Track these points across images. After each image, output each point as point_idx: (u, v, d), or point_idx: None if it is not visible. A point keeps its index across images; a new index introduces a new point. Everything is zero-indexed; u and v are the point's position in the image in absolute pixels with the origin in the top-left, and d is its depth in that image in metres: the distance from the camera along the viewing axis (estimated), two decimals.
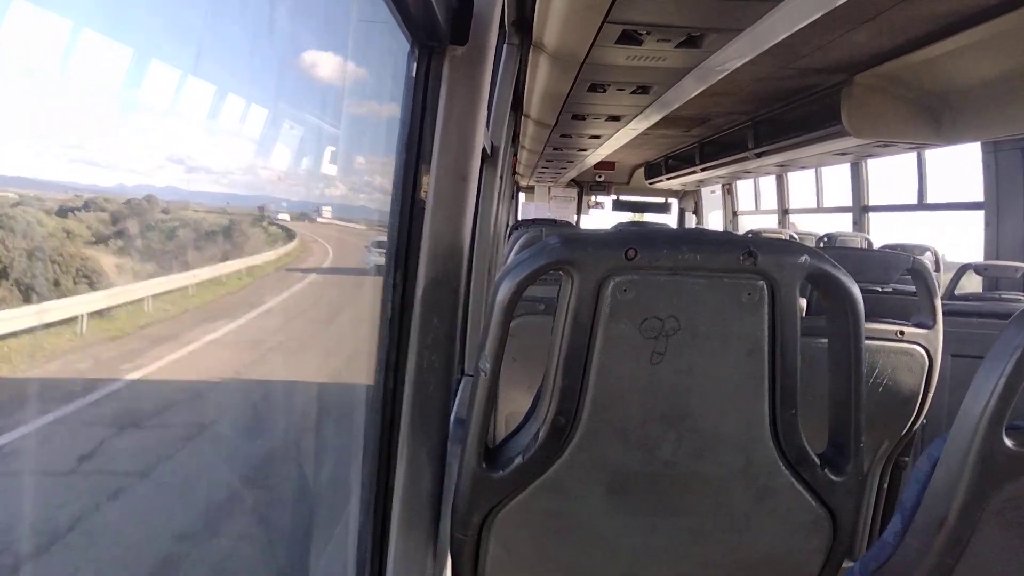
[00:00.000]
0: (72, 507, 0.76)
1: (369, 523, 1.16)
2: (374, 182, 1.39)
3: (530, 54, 3.03)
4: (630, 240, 0.88)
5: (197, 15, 0.84)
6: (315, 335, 1.31)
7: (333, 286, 1.37)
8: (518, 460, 0.95)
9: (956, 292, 3.47)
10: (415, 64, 1.13)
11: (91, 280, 0.71)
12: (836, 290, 0.93)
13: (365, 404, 1.22)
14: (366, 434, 1.19)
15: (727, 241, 0.90)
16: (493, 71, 1.23)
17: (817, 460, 0.98)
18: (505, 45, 3.06)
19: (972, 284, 4.14)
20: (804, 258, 0.90)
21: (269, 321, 1.14)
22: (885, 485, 2.41)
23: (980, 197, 4.34)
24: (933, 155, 4.94)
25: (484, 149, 2.24)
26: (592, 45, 2.62)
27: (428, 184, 1.12)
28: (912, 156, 5.02)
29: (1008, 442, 0.90)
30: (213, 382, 1.03)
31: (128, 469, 0.85)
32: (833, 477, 0.98)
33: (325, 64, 1.18)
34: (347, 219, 1.43)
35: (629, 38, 2.52)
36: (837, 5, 1.95)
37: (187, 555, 0.97)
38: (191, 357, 0.93)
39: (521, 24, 2.95)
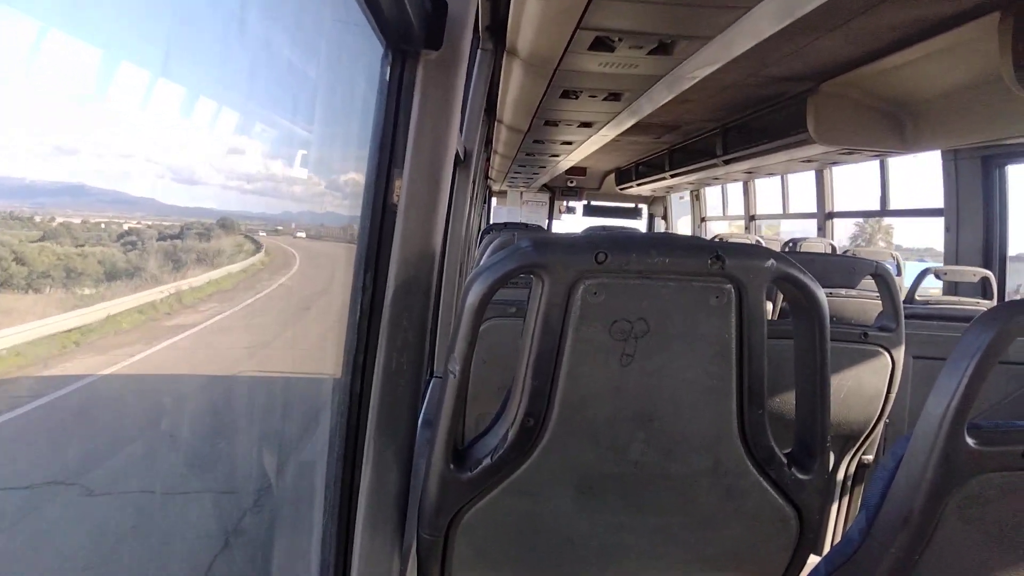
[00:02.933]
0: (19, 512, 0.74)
1: (333, 524, 1.16)
2: (346, 186, 1.38)
3: (504, 59, 3.04)
4: (600, 244, 0.89)
5: (165, 15, 0.83)
6: (281, 337, 1.30)
7: (300, 290, 1.36)
8: (486, 461, 0.96)
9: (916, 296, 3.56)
10: (389, 68, 1.13)
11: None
12: (802, 293, 0.95)
13: (331, 405, 1.21)
14: (331, 435, 1.18)
15: (696, 245, 0.92)
16: (467, 76, 1.24)
17: (784, 459, 0.99)
18: (479, 50, 3.07)
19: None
20: (771, 262, 0.92)
21: (236, 324, 1.13)
22: (849, 483, 2.46)
23: (940, 204, 4.46)
24: (895, 163, 5.06)
25: (457, 154, 2.24)
26: (565, 51, 2.64)
27: (400, 188, 1.12)
28: (875, 164, 5.13)
29: (970, 440, 0.93)
30: (175, 382, 1.01)
31: (88, 471, 0.83)
32: (800, 476, 1.00)
33: (297, 66, 1.17)
34: (317, 223, 1.42)
35: (602, 45, 2.55)
36: (805, 13, 1.99)
37: (144, 557, 0.95)
38: (155, 357, 0.91)
39: (495, 29, 2.96)
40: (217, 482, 1.14)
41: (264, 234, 1.20)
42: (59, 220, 0.73)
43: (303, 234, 1.32)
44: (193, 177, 0.96)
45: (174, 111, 0.90)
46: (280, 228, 1.27)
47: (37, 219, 0.71)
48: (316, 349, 1.39)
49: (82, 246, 0.74)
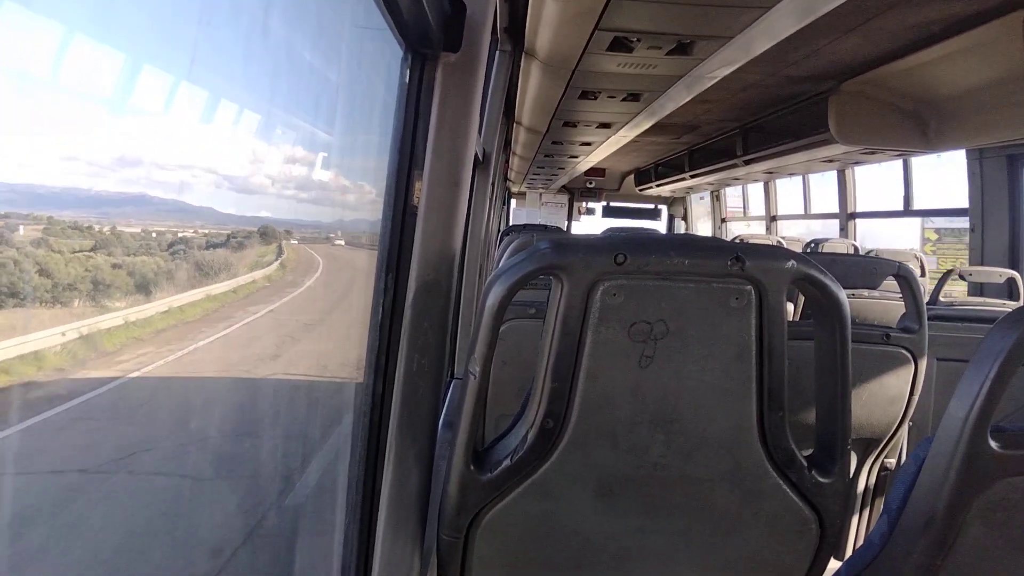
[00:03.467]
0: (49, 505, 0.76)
1: (355, 524, 1.16)
2: (366, 188, 1.39)
3: (522, 61, 3.04)
4: (620, 245, 0.89)
5: (191, 21, 0.84)
6: (305, 339, 1.31)
7: (323, 292, 1.37)
8: (506, 462, 0.96)
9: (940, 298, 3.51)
10: (408, 70, 1.14)
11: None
12: (823, 295, 0.94)
13: (353, 406, 1.22)
14: (354, 436, 1.19)
15: (715, 247, 0.92)
16: (485, 78, 1.24)
17: (804, 462, 0.99)
18: (497, 52, 3.08)
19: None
20: (791, 263, 0.92)
21: (262, 325, 1.14)
22: (871, 486, 2.42)
23: (965, 203, 4.40)
24: (919, 162, 5.00)
25: (476, 155, 2.25)
26: (583, 52, 2.64)
27: (420, 189, 1.13)
28: (898, 163, 5.07)
29: (993, 444, 0.91)
30: (203, 383, 1.03)
31: (114, 468, 0.85)
32: (820, 479, 0.99)
33: (319, 70, 1.19)
34: (340, 227, 1.43)
35: (620, 45, 2.54)
36: (824, 13, 1.97)
37: (172, 556, 0.97)
38: (183, 358, 0.93)
39: (513, 31, 2.97)
40: (242, 481, 1.15)
41: (295, 240, 1.22)
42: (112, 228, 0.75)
43: (342, 241, 1.33)
44: (215, 183, 0.97)
45: (197, 119, 0.91)
46: (306, 233, 1.29)
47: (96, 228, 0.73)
48: (339, 351, 1.41)
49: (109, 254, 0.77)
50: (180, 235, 0.91)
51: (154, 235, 0.86)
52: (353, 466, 1.19)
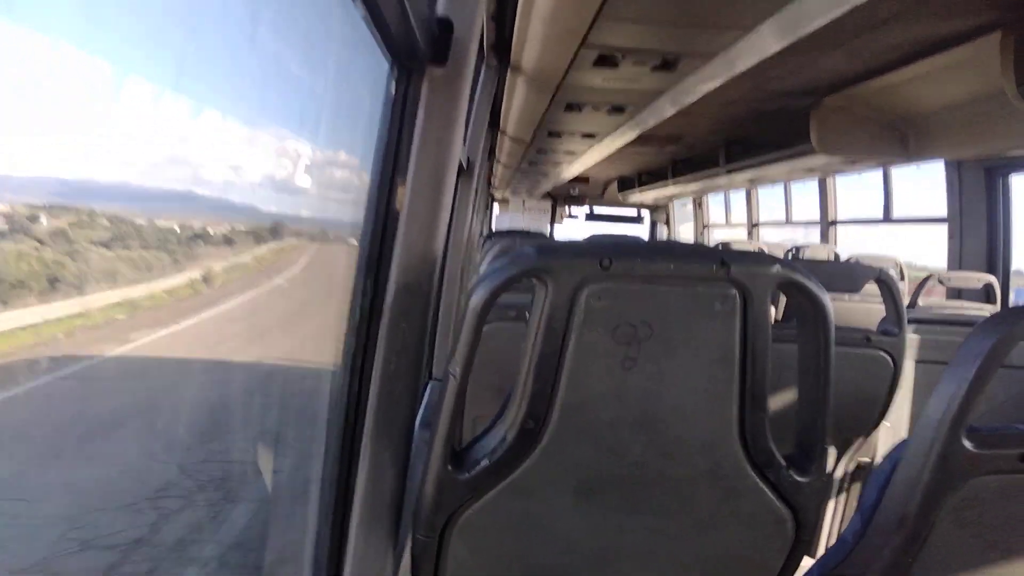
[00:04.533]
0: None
1: (327, 524, 1.16)
2: (348, 194, 1.40)
3: (508, 75, 3.05)
4: (605, 250, 0.90)
5: (176, 31, 0.84)
6: (279, 338, 1.31)
7: (300, 296, 1.37)
8: (484, 462, 0.96)
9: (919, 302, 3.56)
10: (394, 82, 1.15)
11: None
12: (807, 299, 0.95)
13: (328, 406, 1.22)
14: (328, 435, 1.19)
15: (701, 252, 0.93)
16: (471, 91, 1.25)
17: (783, 462, 1.00)
18: (484, 67, 3.08)
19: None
20: (776, 268, 0.93)
21: (234, 320, 1.14)
22: (845, 485, 2.45)
23: (943, 212, 4.47)
24: (899, 172, 5.07)
25: (460, 163, 2.26)
26: (569, 68, 2.65)
27: (403, 196, 1.13)
28: (878, 172, 5.14)
29: (967, 444, 0.93)
30: (172, 377, 1.02)
31: (81, 463, 0.84)
32: (798, 478, 1.00)
33: (305, 81, 1.19)
34: (322, 230, 1.43)
35: (605, 61, 2.56)
36: (806, 33, 2.00)
37: (136, 554, 0.96)
38: (152, 348, 0.92)
39: (500, 47, 2.98)
40: (212, 480, 1.15)
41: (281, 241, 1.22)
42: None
43: (354, 240, 1.33)
44: (197, 189, 0.97)
45: (182, 128, 0.91)
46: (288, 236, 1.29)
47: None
48: (315, 350, 1.41)
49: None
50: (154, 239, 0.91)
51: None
52: (327, 465, 1.19)
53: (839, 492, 2.46)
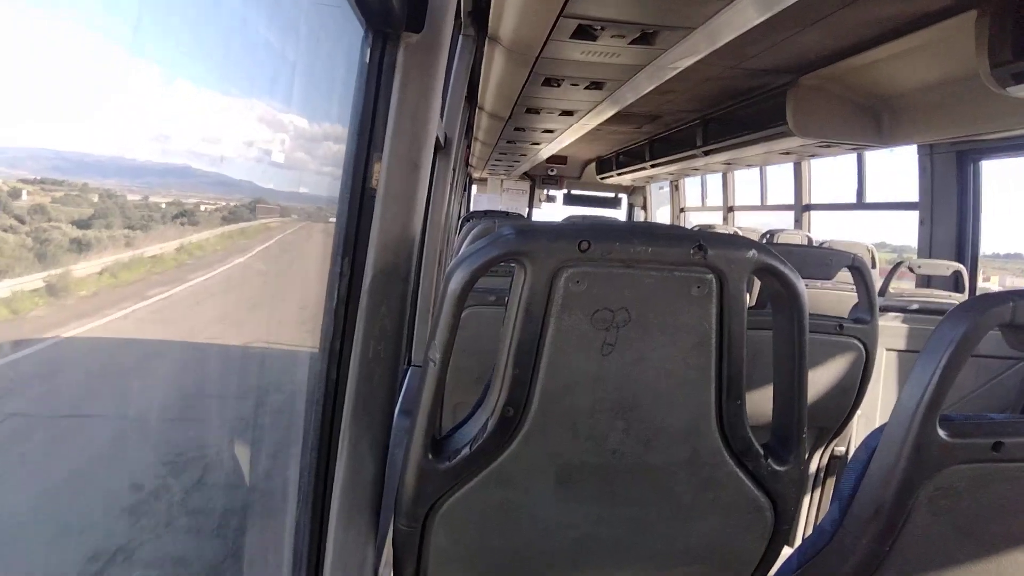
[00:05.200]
0: None
1: (307, 513, 1.14)
2: (323, 169, 1.36)
3: (485, 46, 3.01)
4: (584, 232, 0.89)
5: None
6: (252, 321, 1.28)
7: (274, 276, 1.34)
8: (465, 451, 0.95)
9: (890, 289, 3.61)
10: (369, 49, 1.11)
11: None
12: (782, 285, 0.96)
13: (306, 392, 1.19)
14: (306, 423, 1.17)
15: (678, 235, 0.92)
16: (448, 61, 1.22)
17: (760, 450, 1.00)
18: (461, 36, 3.04)
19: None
20: (752, 253, 0.93)
21: (201, 302, 1.11)
22: (822, 474, 2.49)
23: (915, 198, 4.53)
24: (872, 156, 5.12)
25: (438, 139, 2.22)
26: (547, 39, 2.62)
27: (379, 172, 1.10)
28: (852, 157, 5.19)
29: (941, 432, 0.94)
30: (138, 361, 0.99)
31: (42, 457, 0.81)
32: (776, 467, 1.01)
33: (274, 46, 1.15)
34: (295, 207, 1.39)
35: (584, 33, 2.53)
36: (786, 7, 1.99)
37: (108, 550, 0.93)
38: (112, 329, 0.89)
39: (477, 15, 2.93)
40: (186, 469, 1.12)
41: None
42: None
43: (330, 218, 1.29)
44: (155, 160, 0.93)
45: (149, 96, 0.87)
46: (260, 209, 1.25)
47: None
48: (290, 335, 1.38)
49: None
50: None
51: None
52: (305, 454, 1.16)
53: (815, 481, 2.50)
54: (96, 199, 0.80)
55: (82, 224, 0.76)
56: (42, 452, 0.78)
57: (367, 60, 1.12)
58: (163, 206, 0.92)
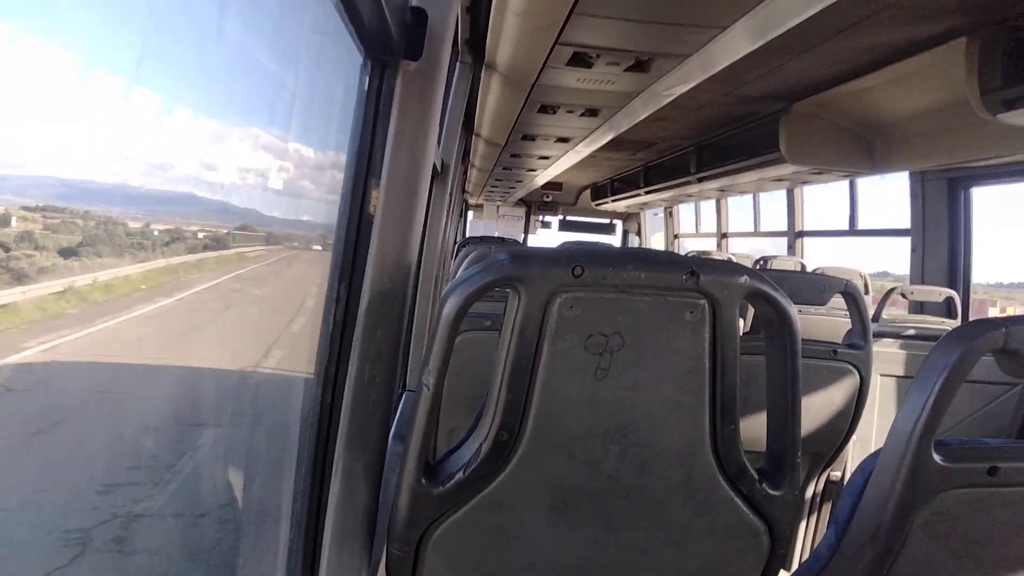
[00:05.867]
0: None
1: (300, 537, 1.14)
2: (321, 195, 1.36)
3: (482, 73, 3.05)
4: (577, 257, 0.90)
5: (139, 21, 0.81)
6: (249, 345, 1.27)
7: (271, 302, 1.33)
8: (459, 475, 0.95)
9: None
10: (368, 77, 1.13)
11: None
12: (774, 310, 0.96)
13: (301, 416, 1.19)
14: (300, 446, 1.16)
15: (671, 261, 0.93)
16: (446, 88, 1.24)
17: (755, 475, 1.00)
18: (458, 63, 3.07)
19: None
20: (744, 278, 0.93)
21: (200, 326, 1.10)
22: (818, 500, 2.48)
23: (907, 224, 4.56)
24: (865, 183, 5.17)
25: (435, 166, 2.24)
26: (543, 66, 2.65)
27: (377, 198, 1.11)
28: (844, 184, 5.23)
29: (937, 457, 0.94)
30: (135, 382, 0.98)
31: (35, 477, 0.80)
32: (771, 491, 1.01)
33: (275, 74, 1.16)
34: (293, 233, 1.40)
35: (580, 61, 2.56)
36: (778, 35, 2.03)
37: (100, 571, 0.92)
38: (109, 348, 0.88)
39: (474, 43, 2.97)
40: (181, 492, 1.11)
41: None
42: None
43: (328, 244, 1.29)
44: (163, 185, 0.94)
45: (149, 119, 0.88)
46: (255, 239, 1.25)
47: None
48: (286, 359, 1.37)
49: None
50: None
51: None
52: (299, 477, 1.16)
53: (811, 506, 2.49)
54: (92, 225, 0.80)
55: (85, 251, 0.76)
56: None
57: (366, 87, 1.13)
58: (156, 233, 0.93)
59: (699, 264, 0.92)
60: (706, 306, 0.93)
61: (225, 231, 1.11)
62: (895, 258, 5.22)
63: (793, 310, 0.97)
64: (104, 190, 0.81)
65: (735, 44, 2.18)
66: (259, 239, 1.23)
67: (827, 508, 2.51)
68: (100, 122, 0.80)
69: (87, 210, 0.78)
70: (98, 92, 0.77)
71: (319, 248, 1.34)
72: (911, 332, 2.84)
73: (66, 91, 0.73)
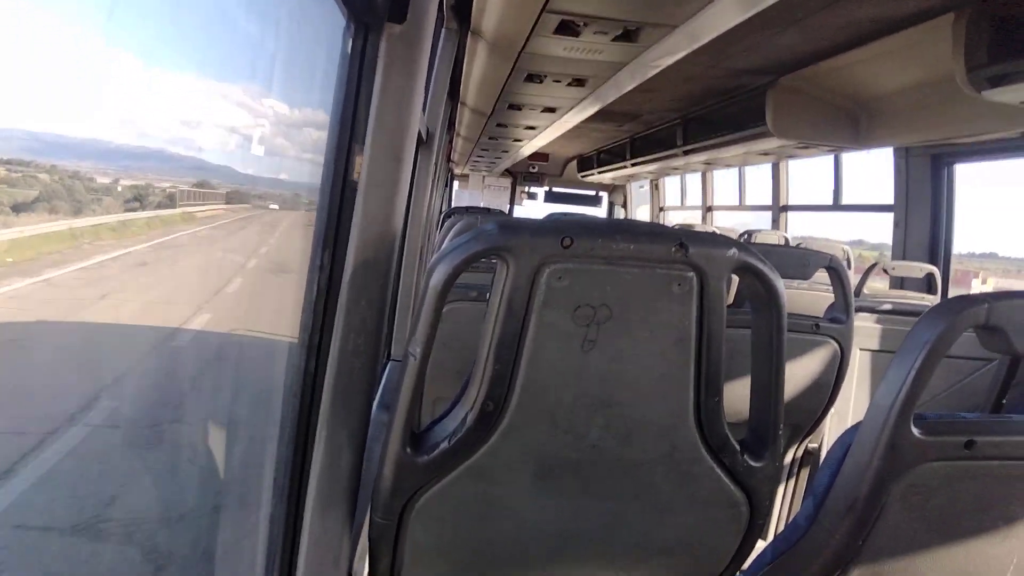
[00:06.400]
0: None
1: (283, 505, 1.14)
2: (304, 159, 1.34)
3: (468, 40, 3.00)
4: (566, 228, 0.89)
5: None
6: (230, 311, 1.26)
7: (251, 267, 1.32)
8: (444, 444, 0.95)
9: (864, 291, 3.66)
10: (351, 39, 1.10)
11: None
12: (762, 284, 0.97)
13: (284, 384, 1.19)
14: (283, 415, 1.16)
15: (660, 233, 0.92)
16: (431, 54, 1.21)
17: (737, 446, 1.01)
18: (444, 29, 3.02)
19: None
20: (733, 251, 0.93)
21: (183, 288, 1.09)
22: (795, 470, 2.53)
23: (890, 200, 4.59)
24: (850, 158, 5.19)
25: (420, 133, 2.22)
26: (530, 34, 2.61)
27: (361, 165, 1.09)
28: (829, 159, 5.25)
29: (915, 430, 0.96)
30: (111, 344, 0.97)
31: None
32: (752, 462, 1.02)
33: (255, 35, 1.14)
34: (276, 198, 1.38)
35: (567, 29, 2.53)
36: (766, 6, 2.01)
37: (81, 540, 0.92)
38: (94, 313, 0.87)
39: (460, 8, 2.92)
40: (162, 460, 1.10)
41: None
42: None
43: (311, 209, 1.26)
44: (140, 150, 0.92)
45: (125, 83, 0.86)
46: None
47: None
48: (269, 325, 1.36)
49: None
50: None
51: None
52: (282, 445, 1.16)
53: (788, 476, 2.54)
54: (66, 181, 0.78)
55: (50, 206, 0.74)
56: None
57: (349, 51, 1.11)
58: (137, 188, 0.91)
59: (688, 237, 0.92)
60: (694, 279, 0.93)
61: (202, 192, 1.09)
62: (871, 229, 5.28)
63: (781, 284, 0.97)
64: (74, 145, 0.79)
65: (723, 15, 2.16)
66: (234, 199, 1.21)
67: (804, 478, 2.56)
68: (74, 82, 0.78)
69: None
70: (70, 53, 0.75)
71: (301, 213, 1.32)
72: (892, 308, 2.88)
73: (36, 46, 0.71)
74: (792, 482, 2.58)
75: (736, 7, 2.07)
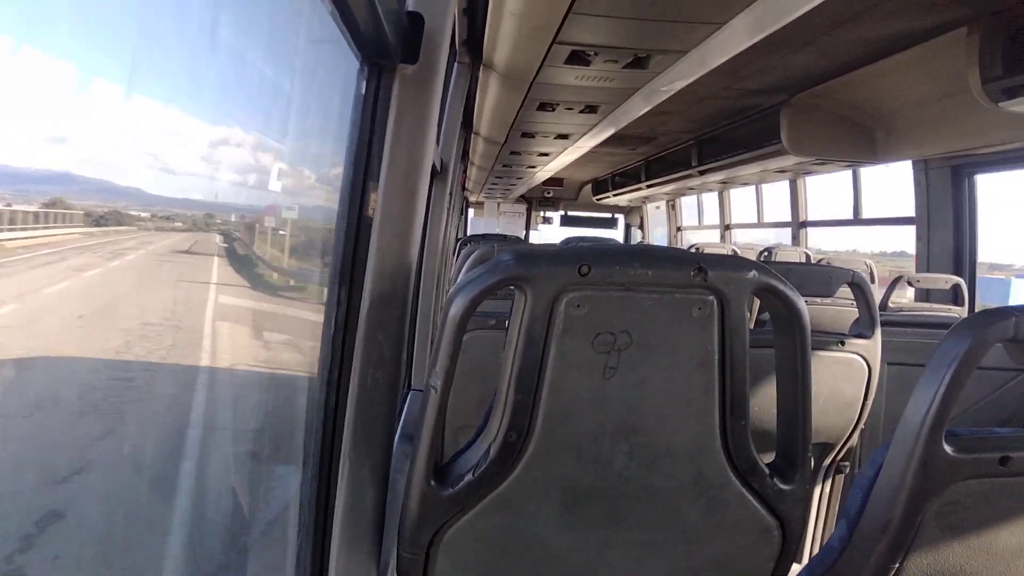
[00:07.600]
0: None
1: (308, 542, 1.14)
2: (320, 202, 1.36)
3: (480, 73, 3.04)
4: (583, 256, 0.89)
5: (134, 25, 0.81)
6: (254, 349, 1.27)
7: (272, 307, 1.33)
8: (468, 477, 0.95)
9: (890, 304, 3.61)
10: (364, 82, 1.12)
11: None
12: (783, 304, 0.96)
13: (305, 421, 1.19)
14: (305, 452, 1.16)
15: (678, 257, 0.92)
16: (444, 89, 1.23)
17: (766, 470, 1.00)
18: (456, 64, 3.06)
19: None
20: (752, 273, 0.93)
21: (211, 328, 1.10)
22: (826, 491, 2.47)
23: (911, 212, 4.54)
24: (868, 171, 5.15)
25: (434, 165, 2.24)
26: (541, 65, 2.65)
27: (376, 201, 1.11)
28: (848, 173, 5.21)
29: (947, 448, 0.94)
30: (137, 384, 0.98)
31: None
32: (782, 486, 1.00)
33: (271, 79, 1.16)
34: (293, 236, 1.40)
35: (578, 59, 2.56)
36: (776, 29, 2.02)
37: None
38: (118, 351, 0.88)
39: (472, 44, 2.96)
40: (186, 500, 1.11)
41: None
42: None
43: (327, 246, 1.27)
44: (156, 192, 0.94)
45: (149, 127, 0.88)
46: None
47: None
48: (290, 362, 1.37)
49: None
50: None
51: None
52: (306, 482, 1.16)
53: (820, 497, 2.49)
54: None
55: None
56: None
57: (363, 92, 1.13)
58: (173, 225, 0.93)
59: (706, 260, 0.91)
60: (714, 302, 0.92)
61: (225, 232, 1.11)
62: (892, 239, 5.21)
63: (802, 304, 0.96)
64: (112, 193, 0.81)
65: (734, 39, 2.17)
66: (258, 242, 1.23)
67: (836, 499, 2.51)
68: (99, 134, 0.80)
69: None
70: (92, 98, 0.77)
71: (320, 252, 1.33)
72: (919, 320, 2.83)
73: (57, 95, 0.73)
74: (825, 501, 2.52)
75: (745, 31, 2.09)
